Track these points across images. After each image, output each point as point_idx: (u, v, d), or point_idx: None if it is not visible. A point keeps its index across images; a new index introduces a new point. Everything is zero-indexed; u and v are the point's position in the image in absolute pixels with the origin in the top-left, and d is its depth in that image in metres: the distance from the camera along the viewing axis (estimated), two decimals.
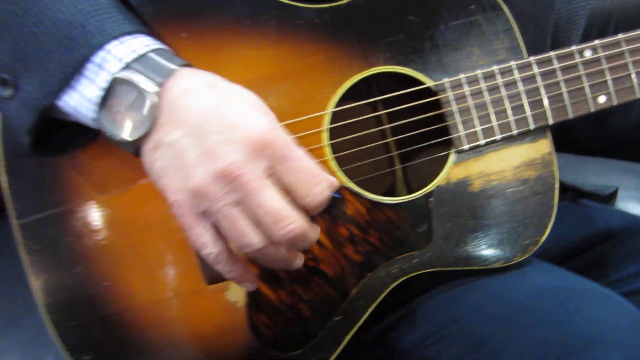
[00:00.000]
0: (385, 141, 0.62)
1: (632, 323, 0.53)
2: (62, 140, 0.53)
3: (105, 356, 0.58)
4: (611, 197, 0.92)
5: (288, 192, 0.44)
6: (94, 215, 0.56)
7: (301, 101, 0.56)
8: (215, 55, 0.55)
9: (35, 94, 0.47)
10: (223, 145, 0.42)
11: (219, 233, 0.45)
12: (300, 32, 0.55)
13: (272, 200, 0.43)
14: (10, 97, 0.47)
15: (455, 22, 0.57)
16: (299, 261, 0.50)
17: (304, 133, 0.56)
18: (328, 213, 0.56)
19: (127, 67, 0.45)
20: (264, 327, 0.58)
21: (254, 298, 0.57)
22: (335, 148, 0.58)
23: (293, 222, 0.43)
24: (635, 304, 0.57)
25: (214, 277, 0.56)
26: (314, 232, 0.47)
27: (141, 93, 0.44)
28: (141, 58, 0.46)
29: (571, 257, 0.77)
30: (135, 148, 0.46)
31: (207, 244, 0.46)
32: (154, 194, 0.56)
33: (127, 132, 0.45)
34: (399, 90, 0.59)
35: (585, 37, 0.76)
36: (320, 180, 0.45)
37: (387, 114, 0.61)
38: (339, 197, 0.55)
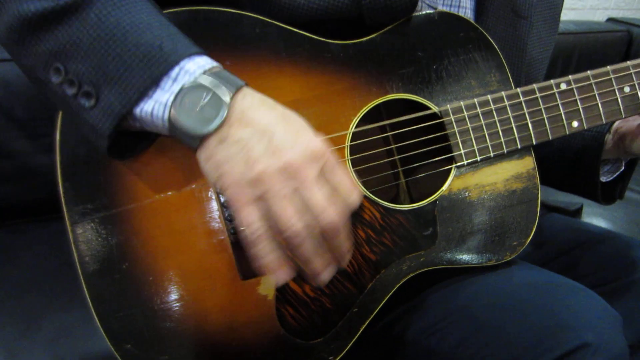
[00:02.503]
0: (394, 158, 0.71)
1: (601, 310, 0.63)
2: (127, 147, 0.60)
3: (145, 345, 0.62)
4: (577, 212, 1.04)
5: (332, 193, 0.52)
6: (142, 217, 0.62)
7: (327, 122, 0.64)
8: (254, 81, 0.61)
9: (117, 103, 0.53)
10: (288, 147, 0.50)
11: (264, 217, 0.52)
12: (327, 63, 0.64)
13: (321, 195, 0.51)
14: (91, 107, 0.54)
15: (456, 58, 0.67)
16: (326, 275, 0.55)
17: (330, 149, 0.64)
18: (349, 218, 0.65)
19: (200, 76, 0.52)
20: (290, 317, 0.64)
21: (282, 292, 0.64)
22: (353, 163, 0.66)
23: (334, 214, 0.51)
24: None
25: (248, 273, 0.63)
26: (345, 235, 0.54)
27: (216, 94, 0.51)
28: (210, 70, 0.53)
29: (546, 264, 0.87)
30: (198, 143, 0.52)
31: (255, 222, 0.51)
32: (195, 201, 0.63)
33: (200, 127, 0.51)
34: (404, 113, 0.68)
35: (553, 66, 0.88)
36: (355, 190, 0.53)
37: (394, 134, 0.70)
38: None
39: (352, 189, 0.53)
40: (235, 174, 0.51)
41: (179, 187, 0.63)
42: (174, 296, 0.62)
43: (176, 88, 0.53)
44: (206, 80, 0.52)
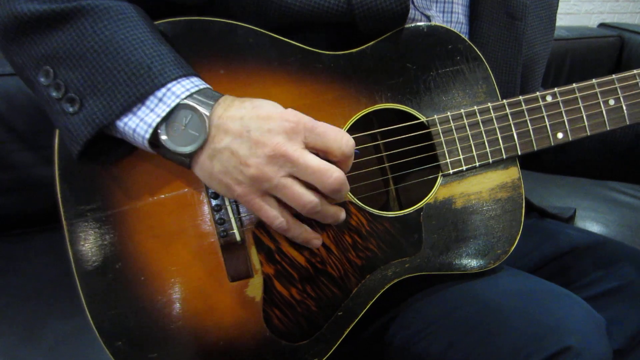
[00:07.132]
0: (382, 166, 0.72)
1: (584, 314, 0.64)
2: (101, 151, 0.61)
3: (136, 343, 0.64)
4: (571, 217, 1.05)
5: (324, 152, 0.55)
6: (135, 218, 0.64)
7: None
8: (247, 89, 0.64)
9: (99, 113, 0.55)
10: (265, 134, 0.53)
11: (282, 205, 0.55)
12: (318, 73, 0.66)
13: (315, 161, 0.54)
14: (73, 113, 0.56)
15: (444, 70, 0.69)
16: (342, 214, 0.61)
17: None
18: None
19: (185, 98, 0.55)
20: (276, 319, 0.66)
21: (269, 294, 0.65)
22: None
23: (335, 171, 0.54)
24: (594, 308, 0.66)
25: (235, 275, 0.65)
26: (347, 185, 0.57)
27: (198, 113, 0.54)
28: (194, 93, 0.56)
29: (538, 268, 0.88)
30: (189, 160, 0.55)
31: (277, 216, 0.56)
32: (187, 203, 0.65)
33: (187, 146, 0.55)
34: (395, 123, 0.70)
35: (545, 72, 0.90)
36: (343, 135, 0.56)
37: (385, 142, 0.72)
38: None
39: (341, 133, 0.56)
40: (237, 181, 0.55)
41: (171, 190, 0.64)
42: (164, 296, 0.64)
43: (161, 111, 0.55)
44: (190, 101, 0.55)
